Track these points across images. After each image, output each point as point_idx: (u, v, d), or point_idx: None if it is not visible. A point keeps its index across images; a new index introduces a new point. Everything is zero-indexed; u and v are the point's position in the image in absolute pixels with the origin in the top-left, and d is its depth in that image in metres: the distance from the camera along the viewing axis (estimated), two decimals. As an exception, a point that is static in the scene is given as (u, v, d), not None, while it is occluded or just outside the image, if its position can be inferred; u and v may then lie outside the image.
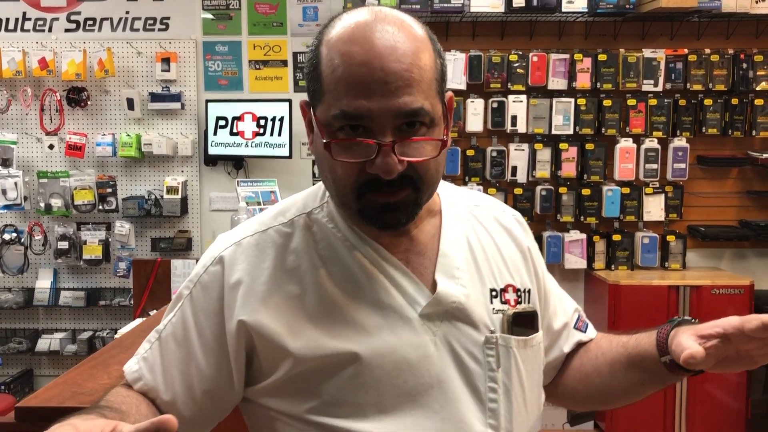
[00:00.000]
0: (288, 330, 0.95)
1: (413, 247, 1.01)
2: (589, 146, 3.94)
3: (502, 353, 0.99)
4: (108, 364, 1.49)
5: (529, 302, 1.07)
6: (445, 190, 1.09)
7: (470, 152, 3.98)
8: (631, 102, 3.92)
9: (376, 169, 0.88)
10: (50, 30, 4.11)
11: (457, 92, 3.92)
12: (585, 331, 1.18)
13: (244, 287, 0.98)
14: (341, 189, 0.93)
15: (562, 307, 1.17)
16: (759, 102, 3.91)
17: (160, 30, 4.12)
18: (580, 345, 1.18)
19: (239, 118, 3.99)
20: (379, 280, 0.97)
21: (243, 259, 0.99)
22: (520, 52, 3.91)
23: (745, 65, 3.90)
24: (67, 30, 4.11)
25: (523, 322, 1.03)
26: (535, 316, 1.06)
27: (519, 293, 1.05)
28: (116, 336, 1.86)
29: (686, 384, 3.70)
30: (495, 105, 3.93)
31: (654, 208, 4.00)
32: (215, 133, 4.03)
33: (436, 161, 0.93)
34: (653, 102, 3.92)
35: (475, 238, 1.06)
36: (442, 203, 1.07)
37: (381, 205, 0.92)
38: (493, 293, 1.02)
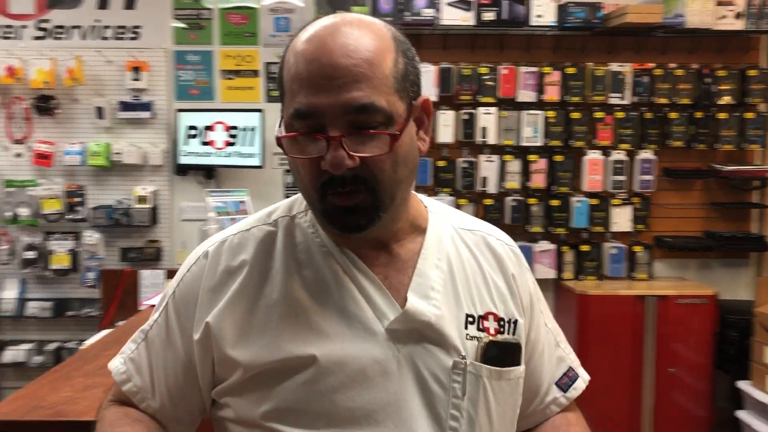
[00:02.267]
0: (244, 334, 0.95)
1: (393, 262, 1.00)
2: (558, 158, 4.00)
3: (470, 381, 0.96)
4: (71, 376, 1.48)
5: (513, 334, 1.02)
6: (437, 209, 1.08)
7: (441, 163, 4.01)
8: (599, 115, 3.99)
9: (326, 164, 0.87)
10: (19, 38, 4.07)
11: (428, 104, 3.95)
12: (566, 391, 1.11)
13: (220, 288, 0.98)
14: (305, 190, 0.93)
15: (556, 357, 1.12)
16: (722, 115, 4.00)
17: (131, 39, 4.10)
18: (559, 408, 1.11)
19: (210, 128, 3.98)
20: (350, 289, 0.96)
21: (225, 258, 1.00)
22: (491, 65, 3.96)
23: (708, 80, 3.99)
24: (35, 38, 4.07)
25: (501, 353, 1.00)
26: (516, 348, 1.02)
27: (501, 323, 1.01)
28: (81, 347, 1.84)
29: (653, 391, 3.75)
30: (465, 117, 3.97)
31: (621, 219, 4.06)
32: (186, 143, 4.01)
33: (394, 162, 0.90)
34: (620, 115, 3.99)
35: (458, 260, 1.03)
36: (430, 222, 1.04)
37: (340, 208, 0.91)
38: (470, 319, 0.99)
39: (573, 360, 1.14)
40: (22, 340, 4.15)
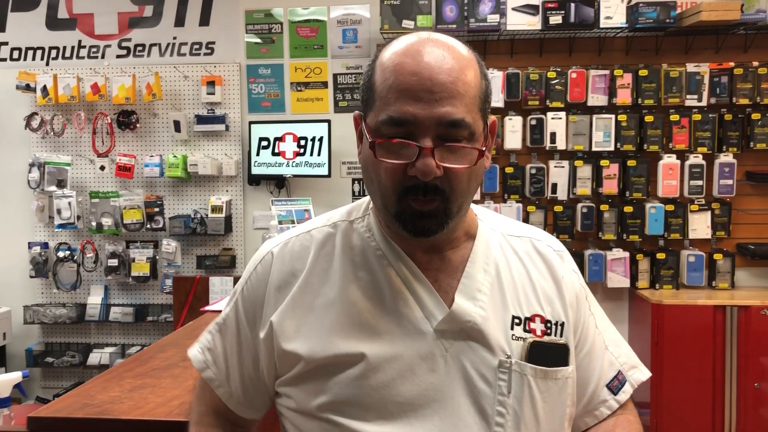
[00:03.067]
0: (303, 331, 1.02)
1: (444, 266, 1.05)
2: (631, 163, 3.87)
3: (515, 379, 1.00)
4: (123, 377, 1.55)
5: (561, 335, 1.06)
6: (486, 217, 1.13)
7: (509, 170, 3.96)
8: (674, 117, 3.84)
9: (415, 171, 0.93)
10: (103, 56, 4.30)
11: (495, 110, 3.92)
12: (616, 393, 1.13)
13: (283, 288, 1.06)
14: (384, 191, 0.97)
15: (606, 360, 1.13)
16: (810, 115, 3.78)
17: (205, 54, 4.26)
18: (609, 411, 1.13)
19: (281, 139, 4.08)
20: (402, 291, 1.02)
21: (289, 260, 1.07)
22: (559, 69, 3.88)
23: (794, 78, 3.77)
24: (118, 56, 4.29)
25: (547, 354, 1.03)
26: (563, 350, 1.05)
27: (548, 324, 1.05)
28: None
29: (736, 408, 3.57)
30: (533, 122, 3.91)
31: (700, 225, 3.89)
32: (258, 154, 4.13)
33: (470, 175, 0.97)
34: (697, 117, 3.83)
35: (506, 265, 1.08)
36: (480, 228, 1.10)
37: (416, 212, 0.96)
38: (516, 320, 1.03)
39: (624, 363, 1.15)
40: (107, 344, 4.37)
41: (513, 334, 1.02)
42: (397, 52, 0.96)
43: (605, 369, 1.13)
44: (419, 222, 0.97)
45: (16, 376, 1.69)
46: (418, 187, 0.94)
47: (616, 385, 1.13)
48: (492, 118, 1.02)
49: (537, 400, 1.01)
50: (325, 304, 1.03)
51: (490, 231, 1.11)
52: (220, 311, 1.15)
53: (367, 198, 1.11)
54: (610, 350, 1.15)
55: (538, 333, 1.04)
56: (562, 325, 1.06)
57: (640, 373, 1.17)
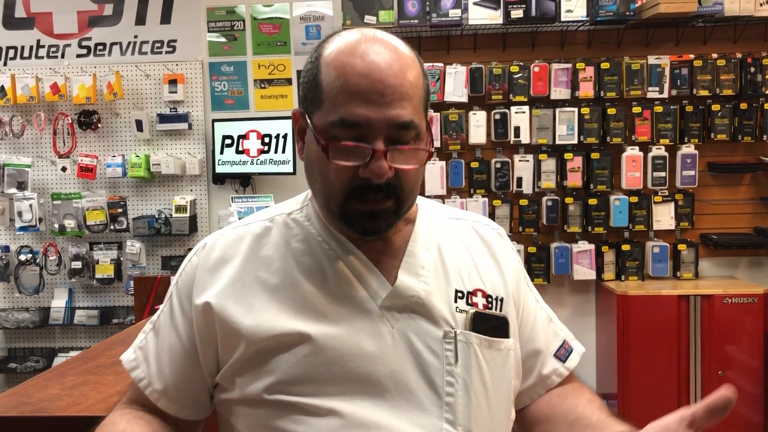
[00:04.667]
0: (245, 311, 1.01)
1: (386, 248, 1.06)
2: (595, 155, 3.89)
3: (461, 348, 1.02)
4: (65, 375, 1.52)
5: (501, 310, 1.09)
6: (425, 204, 1.17)
7: (474, 164, 3.96)
8: (637, 110, 3.87)
9: (368, 173, 0.94)
10: (63, 56, 4.23)
11: (459, 105, 3.92)
12: (564, 362, 1.17)
13: (216, 270, 1.05)
14: (330, 192, 0.99)
15: (550, 331, 1.18)
16: (769, 106, 3.83)
17: (167, 52, 4.21)
18: (560, 378, 1.16)
19: (244, 137, 4.05)
20: (345, 273, 1.03)
21: (221, 247, 1.08)
22: (522, 63, 3.89)
23: (753, 69, 3.82)
24: (78, 55, 4.23)
25: (489, 325, 1.06)
26: (503, 322, 1.08)
27: (489, 299, 1.09)
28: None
29: (701, 395, 3.60)
30: (497, 116, 3.92)
31: (664, 216, 3.92)
32: (222, 152, 4.09)
33: (417, 174, 1.00)
34: (659, 109, 3.86)
35: (447, 244, 1.11)
36: (419, 213, 1.13)
37: (364, 212, 0.98)
38: (459, 294, 1.06)
39: (567, 334, 1.21)
40: (72, 347, 4.30)
41: (457, 307, 1.04)
42: (344, 52, 0.96)
43: (551, 339, 1.17)
44: (369, 223, 0.99)
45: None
46: (369, 188, 0.96)
47: (563, 353, 1.17)
48: (430, 113, 1.05)
49: (484, 369, 1.03)
50: (266, 287, 1.03)
51: (431, 215, 1.14)
52: None
53: (306, 192, 1.12)
54: (554, 322, 1.20)
55: (480, 306, 1.07)
56: (502, 300, 1.10)
57: (579, 345, 1.22)
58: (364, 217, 0.98)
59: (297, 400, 0.97)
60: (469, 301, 1.06)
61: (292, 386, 0.98)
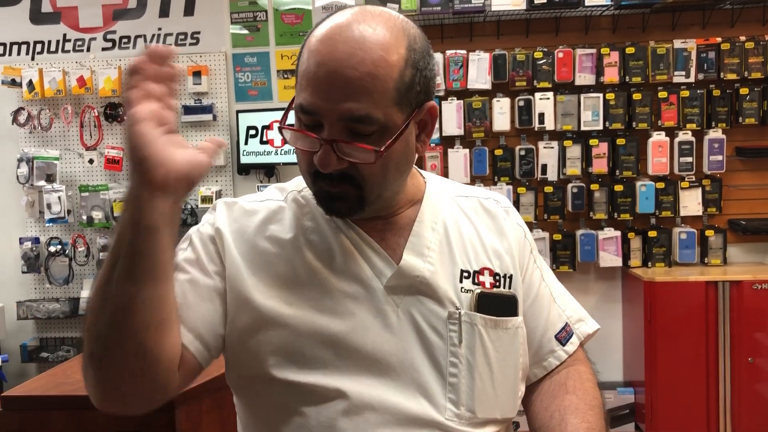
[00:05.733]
0: (254, 284, 1.01)
1: (390, 227, 1.07)
2: (620, 141, 3.86)
3: (465, 329, 1.02)
4: (100, 358, 1.54)
5: (509, 287, 1.09)
6: (433, 181, 1.15)
7: (498, 152, 3.95)
8: (662, 94, 3.83)
9: (315, 161, 0.95)
10: (88, 49, 4.28)
11: (482, 92, 3.91)
12: (564, 344, 1.15)
13: (233, 235, 1.05)
14: (302, 173, 1.02)
15: (554, 311, 1.16)
16: (799, 89, 3.76)
17: (191, 44, 4.24)
18: (558, 361, 1.15)
19: (268, 127, 4.07)
20: (351, 252, 1.03)
21: (238, 215, 1.07)
22: (545, 49, 3.86)
23: (782, 51, 3.76)
24: (104, 49, 4.27)
25: (495, 304, 1.05)
26: (512, 300, 1.08)
27: (497, 277, 1.08)
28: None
29: (730, 383, 3.57)
30: (521, 103, 3.90)
31: (691, 202, 3.88)
32: (246, 143, 4.11)
33: (384, 167, 0.96)
34: (685, 93, 3.81)
35: (454, 223, 1.10)
36: (427, 191, 1.12)
37: (324, 192, 0.99)
38: (465, 274, 1.06)
39: (571, 316, 1.18)
40: (101, 338, 4.35)
41: (462, 287, 1.04)
42: (318, 37, 0.94)
43: (553, 319, 1.15)
44: (330, 203, 1.00)
45: (-6, 360, 1.68)
46: (324, 175, 0.96)
47: (564, 336, 1.15)
48: (430, 103, 1.00)
49: (489, 350, 1.03)
50: (276, 264, 1.03)
51: (439, 193, 1.13)
52: None
53: None
54: (558, 303, 1.17)
55: (487, 285, 1.06)
56: (511, 277, 1.09)
57: (586, 326, 1.19)
58: (327, 197, 0.99)
59: (304, 379, 0.98)
60: (476, 281, 1.06)
61: (299, 363, 0.99)
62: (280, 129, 0.98)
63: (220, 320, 1.03)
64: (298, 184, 1.12)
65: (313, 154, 0.95)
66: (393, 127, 0.95)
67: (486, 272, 1.07)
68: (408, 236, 1.06)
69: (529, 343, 1.13)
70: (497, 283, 1.08)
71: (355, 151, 0.94)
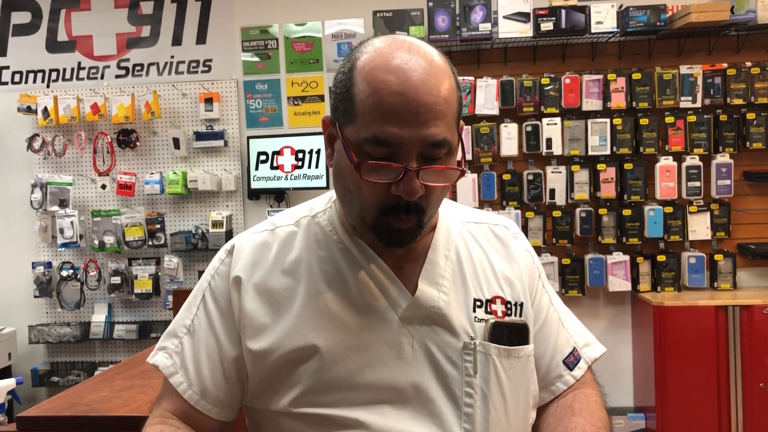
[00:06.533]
0: (271, 322, 1.02)
1: (407, 254, 1.07)
2: (628, 166, 3.88)
3: (480, 360, 1.03)
4: (113, 379, 1.57)
5: (520, 315, 1.10)
6: (445, 207, 1.15)
7: (506, 176, 3.97)
8: (669, 119, 3.85)
9: (399, 191, 0.94)
10: (102, 77, 4.36)
11: (490, 117, 3.94)
12: (572, 369, 1.15)
13: (244, 279, 1.05)
14: (365, 206, 0.99)
15: (562, 336, 1.17)
16: (805, 113, 3.78)
17: (203, 72, 4.31)
18: (566, 386, 1.15)
19: (279, 153, 4.12)
20: (366, 282, 1.04)
21: (249, 251, 1.08)
22: (552, 75, 3.91)
23: (788, 76, 3.78)
24: (117, 76, 4.35)
25: (508, 333, 1.06)
26: (523, 329, 1.08)
27: (508, 305, 1.09)
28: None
29: (742, 408, 3.54)
30: (529, 128, 3.93)
31: (699, 226, 3.88)
32: (257, 168, 4.16)
33: (444, 189, 1.00)
34: (692, 118, 3.84)
35: (466, 251, 1.11)
36: (440, 217, 1.13)
37: (394, 228, 0.99)
38: (478, 303, 1.07)
39: (578, 341, 1.19)
40: (111, 361, 4.38)
41: (475, 317, 1.05)
42: (378, 66, 0.94)
43: (561, 344, 1.16)
44: (395, 236, 0.99)
45: (10, 382, 1.70)
46: (400, 207, 0.96)
47: (572, 361, 1.16)
48: (461, 122, 1.03)
49: (503, 379, 1.04)
50: (290, 298, 1.04)
51: (450, 219, 1.14)
52: None
53: (330, 192, 1.12)
54: (566, 327, 1.18)
55: (499, 314, 1.07)
56: (521, 305, 1.10)
57: (593, 350, 1.20)
58: (392, 232, 0.99)
59: (323, 411, 0.99)
60: (488, 309, 1.06)
61: (317, 397, 1.00)
62: (357, 165, 0.94)
63: (237, 386, 1.07)
64: (312, 208, 1.13)
65: (387, 187, 0.95)
66: (455, 147, 0.99)
67: (498, 300, 1.08)
68: (423, 263, 1.06)
69: (537, 368, 1.14)
70: (509, 312, 1.08)
71: (438, 175, 0.96)
